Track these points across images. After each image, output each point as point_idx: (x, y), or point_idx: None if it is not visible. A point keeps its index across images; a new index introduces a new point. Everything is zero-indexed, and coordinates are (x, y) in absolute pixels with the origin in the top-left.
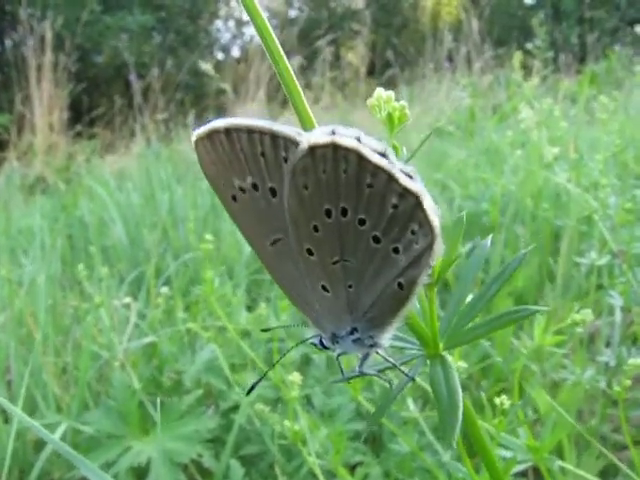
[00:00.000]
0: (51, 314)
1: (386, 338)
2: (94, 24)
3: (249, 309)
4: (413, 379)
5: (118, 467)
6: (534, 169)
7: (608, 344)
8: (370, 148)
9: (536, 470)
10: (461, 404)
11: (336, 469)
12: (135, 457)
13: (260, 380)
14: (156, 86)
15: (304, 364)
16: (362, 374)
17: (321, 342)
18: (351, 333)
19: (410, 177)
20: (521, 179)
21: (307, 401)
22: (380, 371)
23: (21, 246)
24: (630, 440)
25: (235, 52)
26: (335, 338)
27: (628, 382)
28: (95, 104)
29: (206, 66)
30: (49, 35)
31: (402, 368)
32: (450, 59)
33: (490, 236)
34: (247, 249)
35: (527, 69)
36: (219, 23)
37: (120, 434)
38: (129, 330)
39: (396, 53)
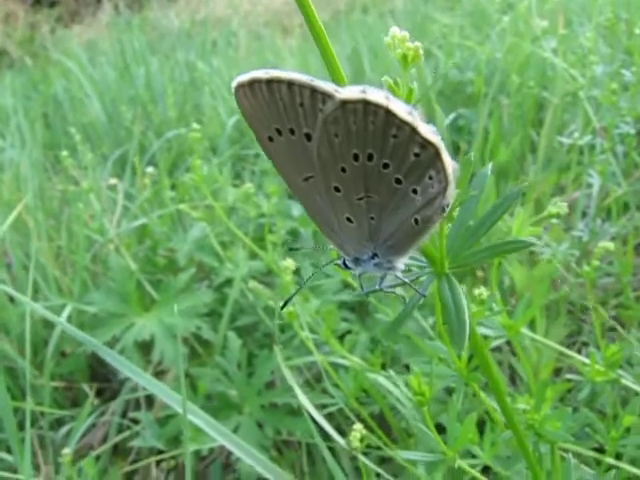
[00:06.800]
0: (39, 199)
1: (402, 262)
2: None
3: (235, 186)
4: (424, 296)
5: (124, 342)
6: (520, 41)
7: (584, 215)
8: (397, 105)
9: (509, 342)
10: (467, 318)
11: (328, 341)
12: (139, 332)
13: (292, 296)
14: None
15: (292, 239)
16: (381, 290)
17: (344, 263)
18: (372, 258)
19: (431, 131)
20: (507, 48)
21: (296, 273)
22: (394, 287)
23: None
24: (594, 300)
25: None
26: (358, 261)
27: (596, 263)
28: None
29: None
30: None
31: (414, 286)
32: None
33: (490, 164)
34: (230, 123)
35: None
36: None
37: (122, 313)
38: (118, 212)
39: None
